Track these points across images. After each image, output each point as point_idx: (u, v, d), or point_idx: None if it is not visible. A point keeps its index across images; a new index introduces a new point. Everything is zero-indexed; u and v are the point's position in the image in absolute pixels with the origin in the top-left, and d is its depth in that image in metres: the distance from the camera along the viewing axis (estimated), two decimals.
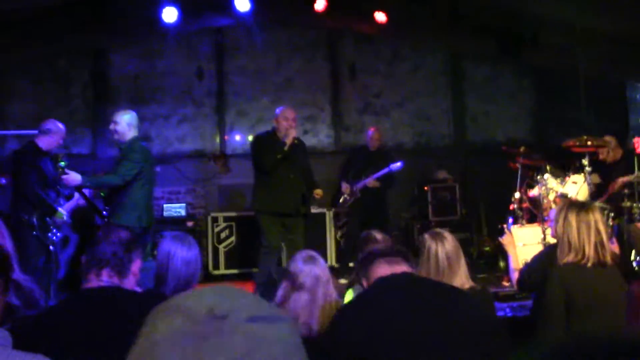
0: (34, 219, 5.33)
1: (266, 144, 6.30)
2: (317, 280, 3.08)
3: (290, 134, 6.08)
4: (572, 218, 3.31)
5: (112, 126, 5.49)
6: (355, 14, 9.00)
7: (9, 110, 8.80)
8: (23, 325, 1.94)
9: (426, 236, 3.39)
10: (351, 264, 7.34)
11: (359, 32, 9.41)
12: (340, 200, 7.73)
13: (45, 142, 5.68)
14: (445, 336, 2.19)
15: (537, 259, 3.82)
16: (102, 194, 5.53)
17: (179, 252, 3.11)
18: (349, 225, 8.00)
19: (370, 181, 7.63)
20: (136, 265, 2.41)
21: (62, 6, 7.76)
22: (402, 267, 2.46)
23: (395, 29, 8.97)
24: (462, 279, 3.31)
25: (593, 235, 3.25)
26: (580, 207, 3.40)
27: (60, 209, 5.51)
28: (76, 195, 5.69)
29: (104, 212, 5.40)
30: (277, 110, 6.42)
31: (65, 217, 5.57)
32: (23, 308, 2.46)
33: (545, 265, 3.59)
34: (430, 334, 2.20)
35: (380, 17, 8.54)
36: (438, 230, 3.45)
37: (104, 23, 8.34)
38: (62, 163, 5.01)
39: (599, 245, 3.25)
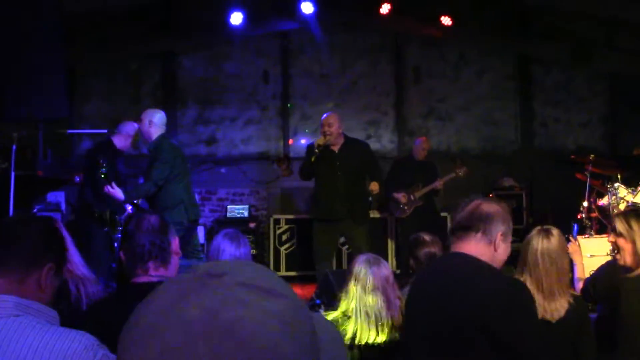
0: (107, 215, 5.51)
1: (309, 151, 6.28)
2: (386, 281, 3.10)
3: (317, 141, 6.05)
4: (636, 226, 3.17)
5: (138, 125, 5.61)
6: (421, 18, 8.93)
7: (84, 110, 9.15)
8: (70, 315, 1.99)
9: (533, 231, 3.22)
10: (412, 271, 7.26)
11: (424, 35, 9.32)
12: (401, 208, 7.56)
13: (121, 142, 5.96)
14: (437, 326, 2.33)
15: (603, 269, 3.68)
16: None
17: (228, 248, 3.15)
18: (405, 232, 7.86)
19: (440, 183, 7.52)
20: (175, 245, 2.43)
21: (135, 11, 8.04)
22: (466, 245, 2.41)
23: (461, 32, 8.85)
24: (563, 283, 3.09)
25: None
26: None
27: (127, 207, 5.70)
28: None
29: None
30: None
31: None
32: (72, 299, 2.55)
33: (611, 276, 3.45)
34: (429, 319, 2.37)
35: (446, 20, 8.44)
36: (547, 227, 3.23)
37: (174, 27, 8.61)
38: (104, 168, 5.14)
39: None
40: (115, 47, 8.70)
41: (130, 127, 6.03)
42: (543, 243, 3.10)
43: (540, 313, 2.89)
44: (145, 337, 0.65)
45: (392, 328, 3.01)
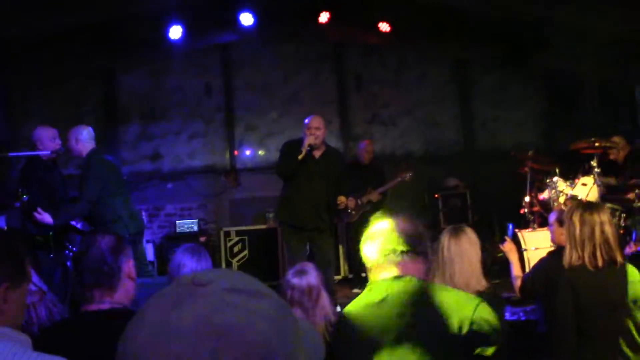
0: (50, 240, 5.26)
1: (290, 150, 5.99)
2: (303, 294, 3.07)
3: (308, 141, 5.78)
4: (576, 219, 3.29)
5: (65, 145, 5.42)
6: (359, 26, 9.06)
7: (23, 132, 8.89)
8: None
9: (444, 231, 3.36)
10: (364, 274, 7.30)
11: (363, 43, 9.46)
12: (348, 212, 7.59)
13: (45, 152, 5.47)
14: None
15: (539, 266, 3.77)
16: None
17: (190, 263, 3.13)
18: (356, 236, 7.94)
19: (376, 194, 7.55)
20: (128, 268, 2.29)
21: (71, 30, 7.89)
22: (416, 265, 2.15)
23: (400, 38, 9.00)
24: (466, 278, 3.20)
25: (598, 236, 3.22)
26: (585, 208, 3.36)
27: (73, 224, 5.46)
28: None
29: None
30: (305, 120, 6.11)
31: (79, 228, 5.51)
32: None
33: (547, 273, 3.56)
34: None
35: (384, 27, 8.60)
36: (460, 225, 3.38)
37: (112, 44, 8.46)
38: (25, 197, 4.92)
39: (605, 246, 3.22)
40: (54, 67, 8.51)
41: (38, 133, 5.57)
42: (452, 242, 3.25)
43: None
44: (144, 351, 0.69)
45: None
